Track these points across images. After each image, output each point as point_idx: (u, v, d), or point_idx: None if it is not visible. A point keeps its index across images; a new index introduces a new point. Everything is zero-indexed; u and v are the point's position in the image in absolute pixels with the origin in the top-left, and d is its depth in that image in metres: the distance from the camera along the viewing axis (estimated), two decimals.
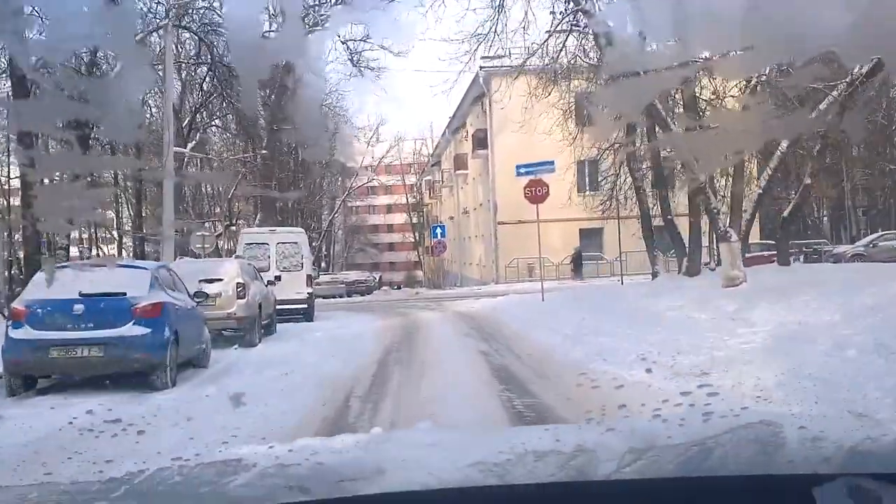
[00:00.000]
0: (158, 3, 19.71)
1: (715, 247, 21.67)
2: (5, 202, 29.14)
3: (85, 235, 41.06)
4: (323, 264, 62.54)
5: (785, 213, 18.45)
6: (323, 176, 53.55)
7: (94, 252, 38.11)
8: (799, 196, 17.54)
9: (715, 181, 16.31)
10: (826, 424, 1.52)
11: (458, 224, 43.54)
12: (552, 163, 17.57)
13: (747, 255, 20.87)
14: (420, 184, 67.87)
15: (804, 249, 27.95)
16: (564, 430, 1.78)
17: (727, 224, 13.66)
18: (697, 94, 15.33)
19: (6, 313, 8.97)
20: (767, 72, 11.27)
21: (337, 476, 1.30)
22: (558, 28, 17.79)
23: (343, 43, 28.61)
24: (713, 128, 2.33)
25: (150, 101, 29.58)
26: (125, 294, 7.69)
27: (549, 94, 22.13)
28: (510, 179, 32.39)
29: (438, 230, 33.53)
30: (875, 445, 1.34)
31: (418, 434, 1.71)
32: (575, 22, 17.66)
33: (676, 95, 15.30)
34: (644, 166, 19.72)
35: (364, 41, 31.19)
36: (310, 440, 1.78)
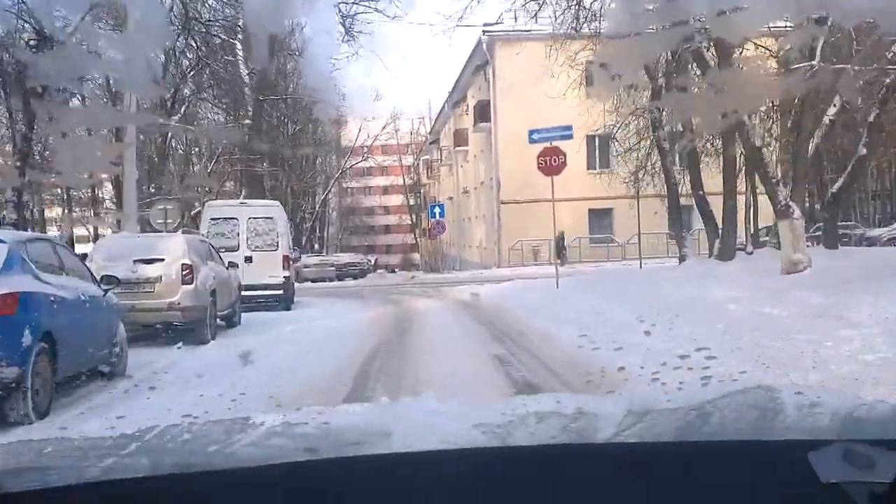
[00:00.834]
0: None
1: (750, 228, 19.35)
2: None
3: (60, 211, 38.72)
4: (316, 245, 60.45)
5: (834, 189, 16.00)
6: (315, 153, 51.13)
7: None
8: (852, 169, 15.05)
9: (770, 146, 13.94)
10: (822, 391, 1.57)
11: (458, 204, 41.04)
12: (570, 128, 15.14)
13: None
14: (417, 164, 65.37)
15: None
16: (566, 395, 1.97)
17: (788, 197, 11.21)
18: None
19: None
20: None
21: (344, 438, 1.34)
22: None
23: (335, 6, 26.15)
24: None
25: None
26: None
27: (559, 61, 19.53)
28: (515, 154, 29.97)
29: (437, 210, 31.07)
30: (870, 412, 1.35)
31: (424, 401, 1.75)
32: None
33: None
34: (671, 133, 17.26)
35: (356, 3, 28.74)
36: (317, 406, 1.73)
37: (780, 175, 12.05)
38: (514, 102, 28.93)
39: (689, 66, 13.39)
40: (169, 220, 15.85)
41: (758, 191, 17.99)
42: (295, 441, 1.31)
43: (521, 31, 31.15)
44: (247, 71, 34.43)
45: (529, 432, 1.35)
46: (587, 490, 1.13)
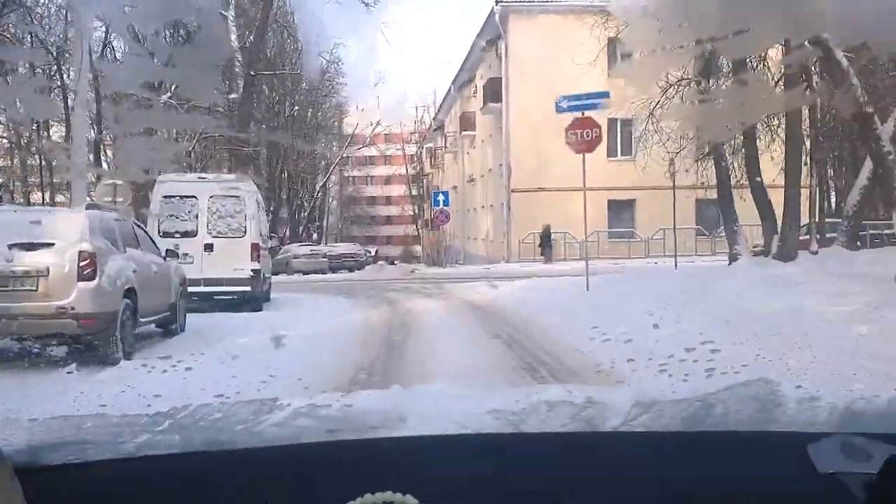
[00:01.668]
0: None
1: (814, 223, 16.64)
2: None
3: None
4: (315, 235, 57.86)
5: None
6: (314, 136, 48.40)
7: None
8: None
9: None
10: (822, 385, 1.66)
11: (463, 194, 38.25)
12: (606, 94, 12.35)
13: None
14: (420, 152, 62.63)
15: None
16: (576, 385, 2.03)
17: None
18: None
19: None
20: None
21: (364, 421, 1.38)
22: None
23: None
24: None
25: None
26: None
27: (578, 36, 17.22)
28: (528, 137, 27.23)
29: (441, 197, 28.22)
30: (868, 406, 1.38)
31: (439, 388, 1.82)
32: None
33: None
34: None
35: None
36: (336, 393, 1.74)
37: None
38: (528, 80, 26.18)
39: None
40: (119, 199, 13.10)
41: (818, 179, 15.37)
42: (319, 422, 1.37)
43: (538, 2, 28.46)
44: (238, 45, 31.89)
45: (541, 419, 1.39)
46: (596, 476, 1.18)
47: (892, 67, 14.35)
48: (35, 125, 28.36)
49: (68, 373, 6.05)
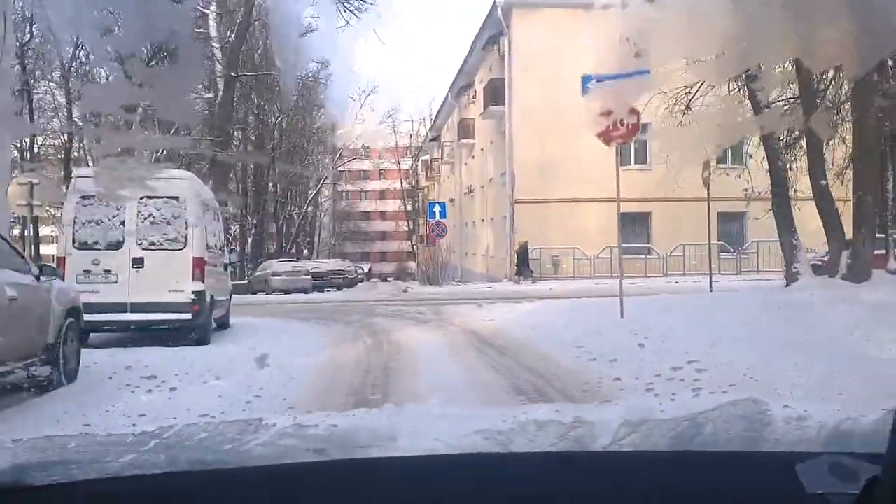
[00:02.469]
0: None
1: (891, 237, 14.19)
2: None
3: None
4: (305, 251, 55.33)
5: None
6: (304, 145, 45.98)
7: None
8: None
9: None
10: (809, 405, 1.56)
11: (460, 207, 35.71)
12: (646, 72, 9.82)
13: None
14: (416, 165, 60.32)
15: None
16: (565, 404, 2.01)
17: None
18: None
19: None
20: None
21: (351, 441, 1.37)
22: None
23: None
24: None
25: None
26: None
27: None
28: (533, 142, 24.67)
29: (437, 208, 25.66)
30: (856, 426, 1.38)
31: (429, 408, 1.81)
32: None
33: None
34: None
35: None
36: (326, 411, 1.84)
37: None
38: (533, 79, 23.79)
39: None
40: (35, 203, 10.57)
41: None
42: (305, 442, 1.35)
43: None
44: (219, 45, 29.62)
45: (529, 439, 1.38)
46: (584, 497, 1.17)
47: None
48: None
49: None
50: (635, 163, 24.59)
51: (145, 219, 9.11)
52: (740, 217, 23.90)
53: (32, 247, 19.94)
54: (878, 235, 12.19)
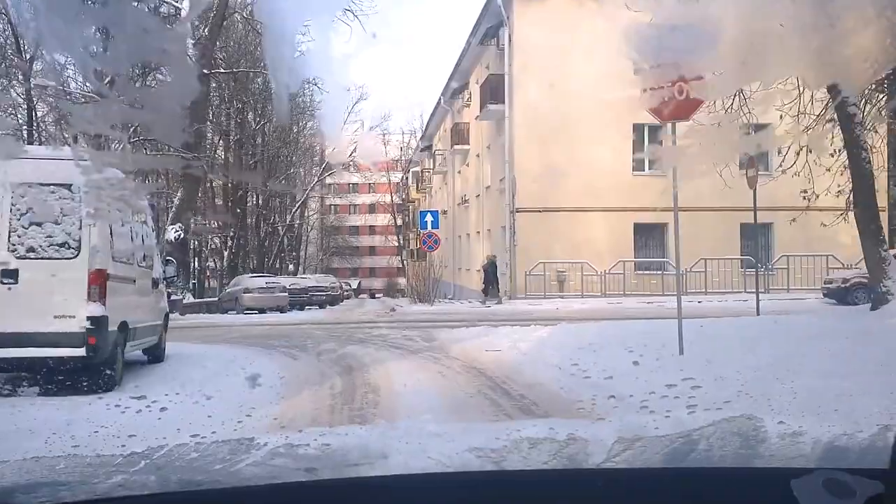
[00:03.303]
0: None
1: None
2: None
3: None
4: (291, 266, 52.68)
5: None
6: (289, 155, 43.44)
7: None
8: None
9: None
10: (804, 420, 1.57)
11: (453, 219, 33.18)
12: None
13: None
14: (406, 178, 57.99)
15: None
16: (558, 420, 1.90)
17: None
18: None
19: None
20: None
21: (343, 459, 1.38)
22: None
23: None
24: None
25: None
26: None
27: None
28: (536, 144, 22.13)
29: (429, 218, 23.10)
30: (850, 441, 1.35)
31: (421, 424, 1.81)
32: None
33: None
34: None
35: None
36: (318, 427, 1.79)
37: None
38: (535, 75, 21.39)
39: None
40: None
41: None
42: (296, 461, 1.34)
43: None
44: (192, 41, 27.13)
45: (522, 457, 1.37)
46: None
47: None
48: None
49: None
50: (650, 168, 22.16)
51: (22, 214, 6.51)
52: (766, 228, 21.52)
53: None
54: None
